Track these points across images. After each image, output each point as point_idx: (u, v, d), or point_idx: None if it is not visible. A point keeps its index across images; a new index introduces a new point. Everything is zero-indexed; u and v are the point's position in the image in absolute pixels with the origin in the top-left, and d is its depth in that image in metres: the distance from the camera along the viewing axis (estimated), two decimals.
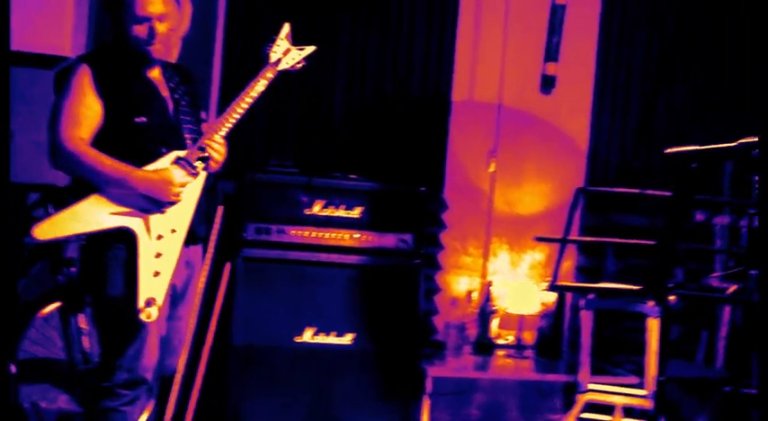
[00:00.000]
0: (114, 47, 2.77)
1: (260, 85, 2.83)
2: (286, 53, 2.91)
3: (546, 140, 5.19)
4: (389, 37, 4.94)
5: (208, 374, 3.87)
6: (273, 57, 2.88)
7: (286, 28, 2.94)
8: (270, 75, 2.86)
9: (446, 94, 5.04)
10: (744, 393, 3.92)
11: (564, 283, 4.35)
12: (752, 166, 3.10)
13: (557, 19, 5.09)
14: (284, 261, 4.04)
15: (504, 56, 5.11)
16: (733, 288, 3.09)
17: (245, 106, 2.81)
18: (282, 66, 2.90)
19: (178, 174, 2.70)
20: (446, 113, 5.05)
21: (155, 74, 2.82)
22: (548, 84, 5.16)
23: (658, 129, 5.24)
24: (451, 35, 5.03)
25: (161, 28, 2.73)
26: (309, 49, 2.96)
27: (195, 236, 2.85)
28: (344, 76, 4.89)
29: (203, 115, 2.99)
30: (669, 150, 3.10)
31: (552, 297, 4.95)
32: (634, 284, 3.76)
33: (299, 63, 2.93)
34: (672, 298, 2.85)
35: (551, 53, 5.10)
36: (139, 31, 2.71)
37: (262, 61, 2.88)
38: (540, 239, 4.23)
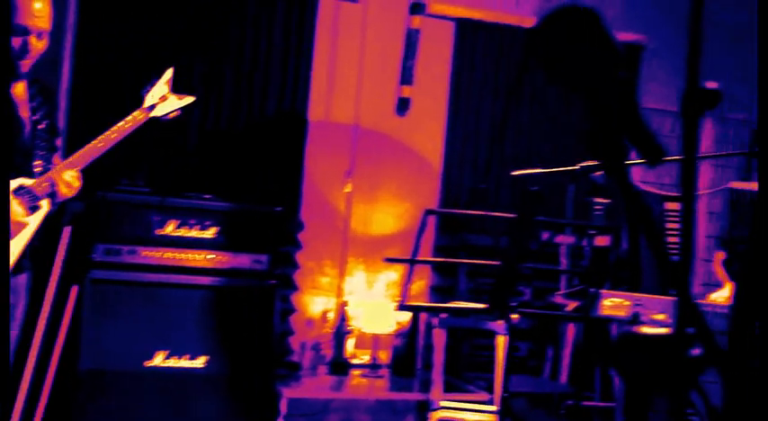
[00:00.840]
0: None
1: (127, 125, 2.76)
2: (163, 99, 2.84)
3: (402, 162, 5.30)
4: (245, 59, 4.92)
5: (52, 403, 3.72)
6: (148, 101, 2.82)
7: (169, 73, 2.86)
8: (140, 117, 2.80)
9: (303, 115, 5.07)
10: (584, 405, 4.12)
11: (412, 303, 4.46)
12: (591, 189, 3.27)
13: (412, 43, 5.22)
14: (135, 283, 3.95)
15: (361, 77, 5.19)
16: (572, 305, 3.24)
17: (107, 144, 2.72)
18: (156, 112, 2.83)
19: (16, 210, 2.57)
20: (303, 134, 5.07)
21: (18, 90, 2.69)
22: (403, 106, 5.28)
23: (508, 152, 5.43)
24: (308, 57, 5.06)
25: (38, 45, 2.62)
26: (188, 100, 2.90)
27: (21, 266, 2.73)
28: (201, 102, 4.78)
29: (58, 142, 2.87)
30: (514, 173, 3.24)
31: (407, 316, 5.04)
32: (483, 303, 3.89)
33: (173, 112, 2.87)
34: (514, 316, 2.97)
35: (406, 76, 5.23)
36: (14, 42, 2.57)
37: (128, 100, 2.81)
38: (389, 260, 4.32)
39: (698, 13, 1.33)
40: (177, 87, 2.91)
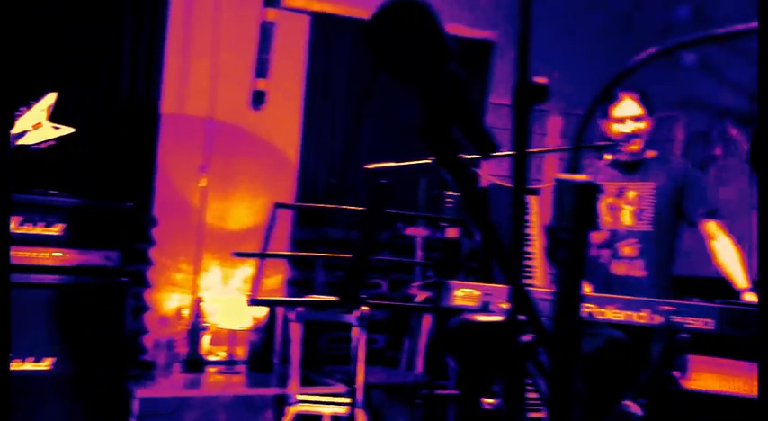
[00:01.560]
0: None
1: None
2: (37, 127, 2.65)
3: (258, 156, 5.25)
4: (94, 52, 4.74)
5: None
6: (18, 126, 2.61)
7: (51, 98, 2.64)
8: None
9: (155, 108, 4.94)
10: (438, 394, 4.22)
11: (263, 298, 4.44)
12: (442, 182, 3.34)
13: (267, 36, 5.17)
14: None
15: (215, 70, 5.11)
16: (423, 296, 3.30)
17: None
18: (26, 140, 2.63)
19: None
20: (155, 128, 4.94)
21: None
22: (258, 99, 5.23)
23: (363, 147, 5.47)
24: (160, 48, 4.94)
25: None
26: (65, 131, 2.71)
27: None
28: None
29: None
30: (367, 166, 3.27)
31: (264, 311, 5.00)
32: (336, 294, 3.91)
33: (46, 142, 2.67)
34: (365, 308, 3.00)
35: (262, 69, 5.18)
36: None
37: None
38: (239, 255, 4.28)
39: (527, 11, 1.37)
40: (56, 115, 2.71)
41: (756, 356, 2.94)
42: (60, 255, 3.96)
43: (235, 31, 5.16)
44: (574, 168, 1.35)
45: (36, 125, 2.66)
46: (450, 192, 4.00)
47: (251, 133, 5.24)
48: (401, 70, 1.20)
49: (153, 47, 4.91)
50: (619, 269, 3.80)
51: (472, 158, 2.82)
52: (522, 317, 1.34)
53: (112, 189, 4.70)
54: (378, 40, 1.16)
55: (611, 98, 3.79)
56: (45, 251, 3.94)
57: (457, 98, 1.24)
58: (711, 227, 3.71)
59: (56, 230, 3.97)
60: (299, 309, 4.24)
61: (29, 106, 2.65)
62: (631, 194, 3.82)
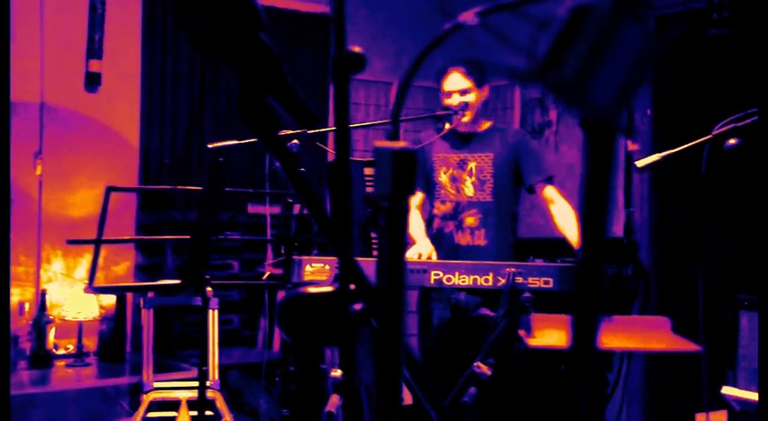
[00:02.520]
0: None
1: None
2: None
3: (96, 140, 5.05)
4: None
5: None
6: None
7: None
8: None
9: None
10: (292, 371, 4.22)
11: (101, 285, 4.32)
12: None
13: (97, 15, 4.96)
14: None
15: (43, 52, 4.86)
16: (269, 272, 3.29)
17: None
18: None
19: None
20: None
21: None
22: (93, 81, 5.02)
23: (209, 125, 5.37)
24: None
25: None
26: None
27: None
28: None
29: None
30: (210, 145, 3.21)
31: (112, 299, 4.85)
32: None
33: None
34: (209, 289, 2.96)
35: (94, 50, 4.97)
36: None
37: None
38: (72, 242, 4.13)
39: None
40: None
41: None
42: None
43: (63, 10, 4.92)
44: (395, 137, 1.36)
45: None
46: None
47: (87, 117, 5.03)
48: (212, 43, 1.17)
49: None
50: (463, 239, 3.90)
51: (301, 133, 2.81)
52: (352, 287, 1.35)
53: None
54: (180, 12, 1.12)
55: (442, 71, 3.86)
56: None
57: (270, 69, 1.22)
58: (549, 192, 3.85)
59: None
60: (150, 294, 4.13)
61: None
62: (472, 165, 3.91)
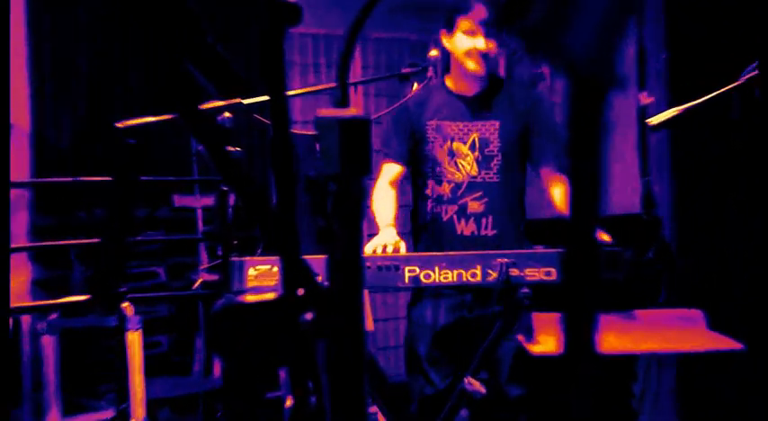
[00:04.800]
0: None
1: None
2: None
3: None
4: None
5: None
6: None
7: None
8: None
9: None
10: (237, 403, 4.23)
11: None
12: (216, 136, 3.33)
13: None
14: None
15: None
16: (202, 280, 3.29)
17: None
18: None
19: None
20: None
21: None
22: None
23: (118, 103, 5.35)
24: None
25: None
26: None
27: None
28: None
29: None
30: (118, 124, 3.21)
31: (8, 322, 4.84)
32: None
33: None
34: (125, 305, 2.97)
35: None
36: None
37: None
38: None
39: None
40: None
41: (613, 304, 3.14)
42: None
43: None
44: (343, 102, 1.39)
45: None
46: (229, 149, 3.99)
47: None
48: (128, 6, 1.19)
49: None
50: (467, 229, 3.90)
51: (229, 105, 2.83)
52: (299, 293, 1.38)
53: None
54: None
55: (460, 7, 3.83)
56: None
57: (185, 26, 1.25)
58: (558, 177, 3.88)
59: None
60: (52, 316, 4.13)
61: None
62: (474, 137, 3.91)
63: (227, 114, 3.13)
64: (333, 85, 4.03)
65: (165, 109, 3.67)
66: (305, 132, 5.08)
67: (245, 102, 2.80)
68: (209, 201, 5.14)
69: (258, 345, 1.31)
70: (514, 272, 3.17)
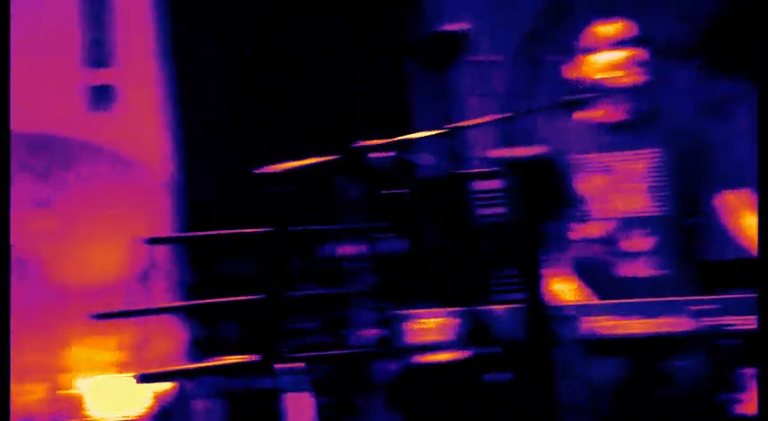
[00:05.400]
0: None
1: None
2: None
3: (111, 174, 5.16)
4: None
5: None
6: None
7: None
8: None
9: None
10: None
11: (155, 371, 4.38)
12: (370, 178, 3.32)
13: (96, 10, 5.10)
14: None
15: (31, 67, 5.02)
16: (368, 337, 3.26)
17: None
18: None
19: None
20: None
21: None
22: (101, 96, 5.14)
23: (272, 143, 5.41)
24: None
25: None
26: None
27: None
28: None
29: None
30: (264, 170, 3.25)
31: (163, 387, 4.94)
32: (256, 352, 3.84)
33: None
34: (293, 364, 2.96)
35: (98, 54, 5.10)
36: None
37: None
38: (103, 317, 4.17)
39: None
40: None
41: None
42: None
43: (50, 11, 5.07)
44: (509, 140, 1.35)
45: None
46: (384, 191, 3.98)
47: (96, 144, 5.15)
48: None
49: None
50: (628, 269, 3.82)
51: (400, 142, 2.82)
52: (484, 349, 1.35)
53: None
54: None
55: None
56: None
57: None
58: (735, 198, 3.76)
59: None
60: (207, 378, 4.19)
61: None
62: (631, 167, 3.83)
63: (383, 153, 3.12)
64: (505, 115, 3.99)
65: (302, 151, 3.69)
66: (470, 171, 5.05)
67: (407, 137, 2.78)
68: (355, 248, 5.11)
69: (442, 406, 1.28)
70: (716, 320, 3.05)
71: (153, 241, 4.75)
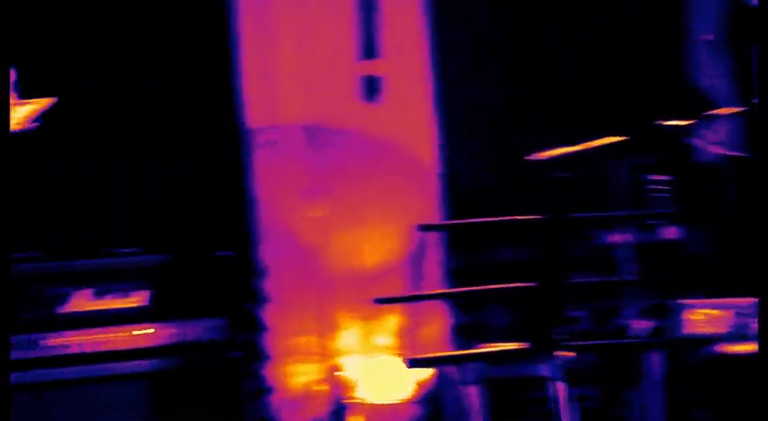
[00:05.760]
0: None
1: None
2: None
3: (381, 163, 5.24)
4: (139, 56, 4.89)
5: None
6: None
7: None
8: None
9: (237, 119, 5.03)
10: None
11: (426, 355, 4.40)
12: (642, 165, 3.26)
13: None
14: (41, 385, 3.92)
15: (306, 57, 5.15)
16: (643, 326, 3.20)
17: None
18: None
19: None
20: (242, 146, 5.03)
21: None
22: (372, 88, 5.23)
23: (534, 130, 5.37)
24: (231, 36, 5.04)
25: None
26: (41, 103, 2.83)
27: None
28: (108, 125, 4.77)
29: None
30: (535, 156, 3.23)
31: (427, 373, 4.99)
32: (525, 340, 3.82)
33: (25, 122, 2.79)
34: (564, 353, 2.94)
35: (370, 47, 5.19)
36: None
37: None
38: (382, 301, 4.25)
39: None
40: (26, 93, 2.83)
41: None
42: (148, 331, 4.09)
43: (327, 3, 5.19)
44: None
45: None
46: (658, 177, 3.87)
47: (367, 134, 5.25)
48: None
49: (221, 34, 5.01)
50: None
51: (681, 125, 2.74)
52: None
53: (200, 236, 4.79)
54: None
55: None
56: (126, 330, 4.07)
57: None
58: None
59: (138, 300, 4.10)
60: (472, 365, 4.19)
61: None
62: None
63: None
64: None
65: (581, 135, 3.62)
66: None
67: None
68: (629, 236, 5.01)
69: (748, 400, 1.23)
70: None
71: (425, 228, 4.80)
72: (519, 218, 4.60)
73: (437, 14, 5.35)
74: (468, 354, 4.30)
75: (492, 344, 4.65)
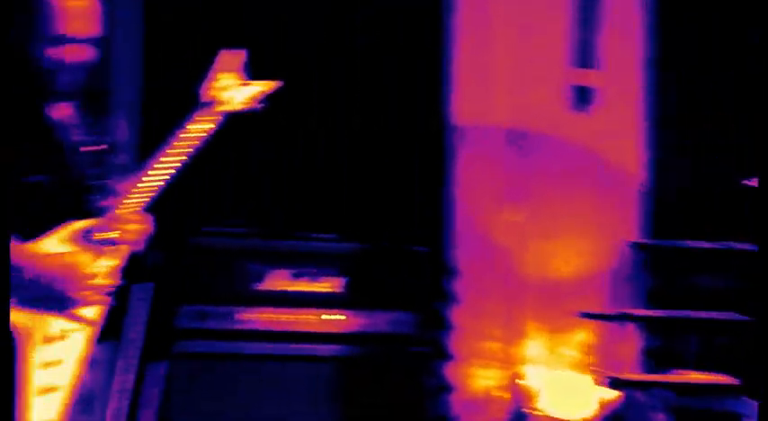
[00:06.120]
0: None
1: (193, 136, 2.73)
2: (232, 90, 2.81)
3: (586, 175, 5.16)
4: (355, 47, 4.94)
5: None
6: (211, 96, 2.78)
7: (235, 58, 2.83)
8: (207, 121, 2.76)
9: (444, 119, 5.04)
10: None
11: (625, 376, 4.26)
12: None
13: (588, 7, 5.12)
14: (233, 356, 4.01)
15: (517, 61, 5.11)
16: None
17: (171, 166, 2.71)
18: (227, 107, 2.79)
19: (85, 259, 2.60)
20: (446, 145, 5.04)
21: (62, 112, 2.74)
22: (583, 97, 5.17)
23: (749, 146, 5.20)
24: (446, 35, 5.05)
25: (83, 54, 2.68)
26: (269, 85, 2.85)
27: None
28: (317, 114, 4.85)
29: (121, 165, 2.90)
30: (747, 182, 3.09)
31: (612, 394, 4.89)
32: (721, 372, 3.68)
33: (253, 103, 2.83)
34: None
35: (585, 56, 5.13)
36: (51, 53, 2.63)
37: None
38: (587, 316, 4.16)
39: None
40: (254, 75, 2.86)
41: None
42: (338, 317, 4.12)
43: (540, 5, 5.15)
44: None
45: (232, 88, 2.74)
46: None
47: (572, 144, 5.18)
48: None
49: (436, 36, 5.03)
50: None
51: None
52: None
53: (397, 229, 4.81)
54: None
55: None
56: (317, 313, 4.12)
57: None
58: None
59: (332, 286, 4.14)
60: (661, 392, 4.08)
61: (213, 75, 2.74)
62: None
63: None
64: None
65: None
66: None
67: None
68: None
69: None
70: None
71: (635, 246, 4.69)
72: (737, 245, 4.44)
73: (655, 28, 5.24)
74: (670, 381, 4.15)
75: (682, 372, 4.52)
